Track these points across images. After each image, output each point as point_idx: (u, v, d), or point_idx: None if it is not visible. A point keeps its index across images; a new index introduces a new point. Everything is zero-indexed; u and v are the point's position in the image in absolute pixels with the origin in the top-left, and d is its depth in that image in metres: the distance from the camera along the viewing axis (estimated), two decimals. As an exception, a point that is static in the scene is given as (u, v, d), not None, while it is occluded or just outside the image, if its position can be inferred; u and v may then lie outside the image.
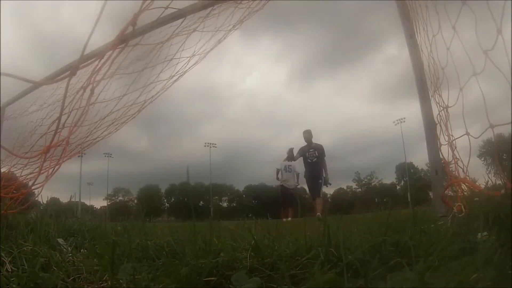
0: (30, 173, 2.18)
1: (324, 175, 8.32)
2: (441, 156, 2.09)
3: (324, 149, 8.50)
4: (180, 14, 2.55)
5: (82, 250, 1.23)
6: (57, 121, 1.43)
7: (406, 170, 58.09)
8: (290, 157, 9.21)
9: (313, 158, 8.33)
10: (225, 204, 68.27)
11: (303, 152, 8.50)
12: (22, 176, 2.24)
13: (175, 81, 3.20)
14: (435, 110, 2.12)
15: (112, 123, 2.81)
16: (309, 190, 8.50)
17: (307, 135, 8.55)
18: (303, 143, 8.62)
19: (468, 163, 1.80)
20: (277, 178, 9.30)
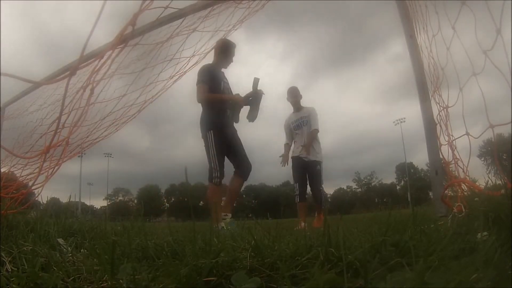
0: (30, 173, 2.18)
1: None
2: (441, 156, 2.09)
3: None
4: (180, 14, 2.56)
5: (82, 250, 1.23)
6: (57, 121, 1.42)
7: (406, 170, 58.15)
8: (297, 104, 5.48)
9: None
10: (225, 204, 68.18)
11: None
12: (22, 176, 2.24)
13: (175, 81, 3.21)
14: (435, 110, 2.12)
15: (112, 123, 2.82)
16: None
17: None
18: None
19: (468, 163, 1.80)
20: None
